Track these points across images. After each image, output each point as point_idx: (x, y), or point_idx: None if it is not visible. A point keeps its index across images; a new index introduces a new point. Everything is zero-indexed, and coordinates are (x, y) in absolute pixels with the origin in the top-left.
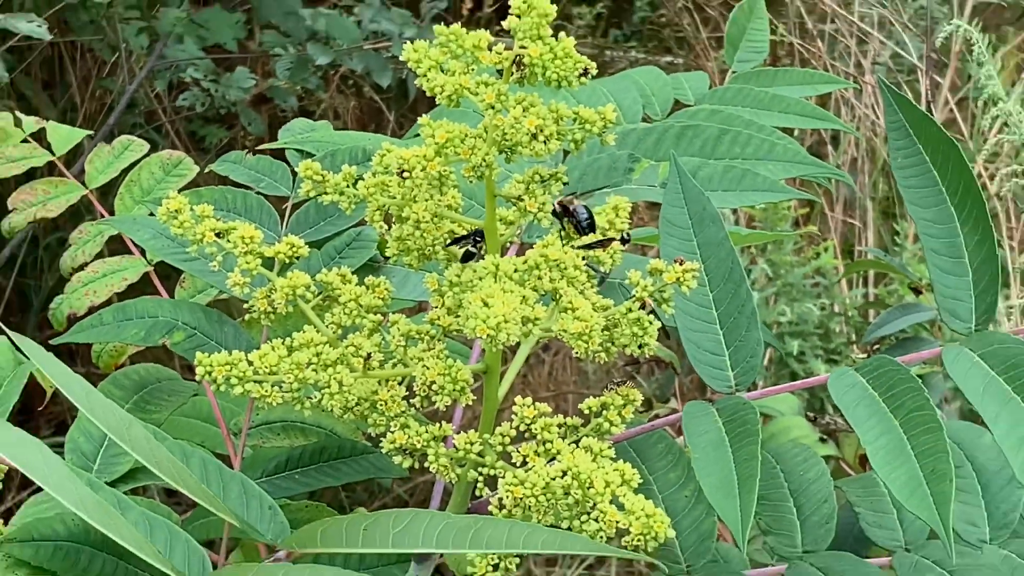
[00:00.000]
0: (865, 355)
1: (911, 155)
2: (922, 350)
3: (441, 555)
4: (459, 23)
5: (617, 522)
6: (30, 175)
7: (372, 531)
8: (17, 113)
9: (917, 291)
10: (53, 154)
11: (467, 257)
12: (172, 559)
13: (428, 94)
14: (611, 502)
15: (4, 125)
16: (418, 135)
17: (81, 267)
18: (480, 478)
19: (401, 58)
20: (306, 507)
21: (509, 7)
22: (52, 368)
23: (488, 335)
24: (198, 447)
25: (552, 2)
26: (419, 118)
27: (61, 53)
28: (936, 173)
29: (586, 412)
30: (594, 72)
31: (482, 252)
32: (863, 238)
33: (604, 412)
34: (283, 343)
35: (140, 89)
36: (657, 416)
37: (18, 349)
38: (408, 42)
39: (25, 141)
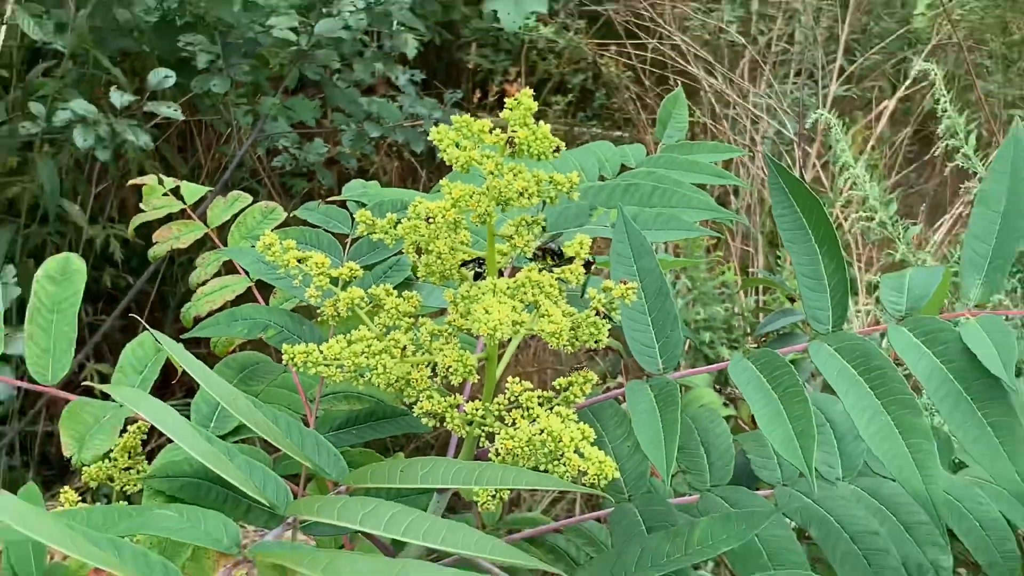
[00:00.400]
0: (756, 345)
1: (786, 207)
2: (795, 344)
3: (455, 489)
4: (471, 108)
5: (579, 467)
6: (168, 218)
7: (407, 472)
8: (160, 176)
9: (792, 300)
10: (184, 204)
11: (476, 276)
12: (265, 492)
13: (447, 163)
14: (575, 452)
15: (151, 183)
16: (439, 191)
17: (203, 283)
18: (483, 434)
19: (429, 136)
20: (360, 452)
21: (505, 98)
22: (181, 355)
23: (488, 333)
24: (284, 410)
25: (535, 95)
26: (442, 179)
27: (191, 128)
28: (804, 220)
29: (558, 388)
30: (563, 147)
31: (484, 274)
32: (755, 261)
33: (570, 387)
34: (344, 338)
35: (247, 154)
36: (609, 389)
37: (158, 341)
38: (435, 123)
39: (165, 194)
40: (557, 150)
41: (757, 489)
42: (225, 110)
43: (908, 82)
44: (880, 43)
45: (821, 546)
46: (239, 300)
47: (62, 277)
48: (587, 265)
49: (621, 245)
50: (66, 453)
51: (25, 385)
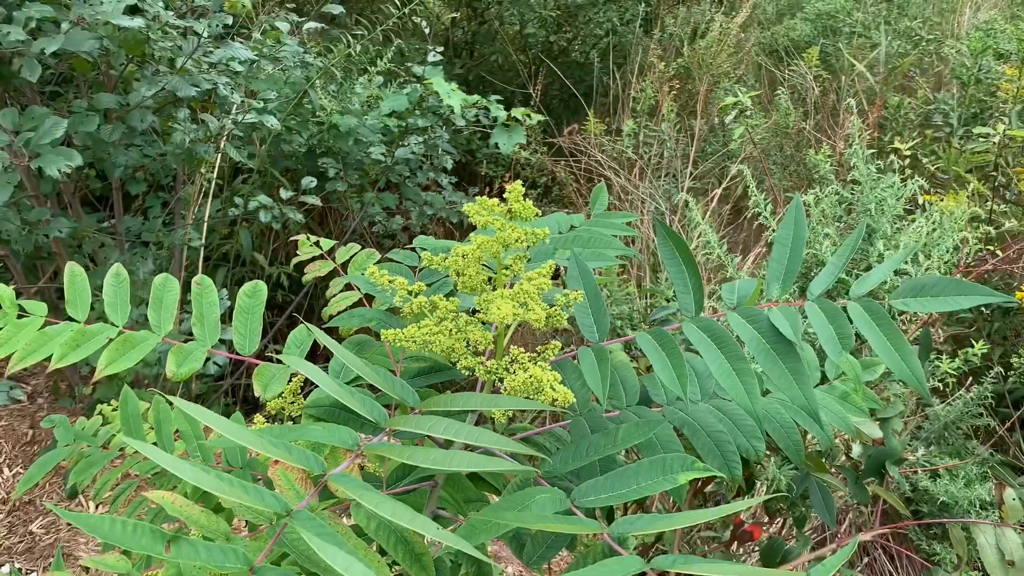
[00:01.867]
0: (649, 327)
1: (667, 246)
2: (673, 324)
3: (481, 410)
4: (488, 193)
5: (552, 396)
6: (313, 260)
7: (454, 401)
8: (308, 235)
9: (668, 300)
10: (322, 250)
11: (474, 313)
12: (372, 414)
13: (473, 223)
14: (550, 388)
15: (303, 240)
16: (470, 241)
17: (334, 295)
18: (496, 379)
19: (462, 211)
20: (425, 391)
21: (505, 190)
22: (323, 337)
23: (500, 320)
24: (382, 367)
25: (518, 188)
26: (470, 235)
27: (326, 211)
28: (677, 253)
29: (538, 351)
30: (539, 214)
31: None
32: (644, 279)
33: (545, 351)
34: (415, 325)
35: (357, 225)
36: (566, 353)
37: (309, 329)
38: (464, 203)
39: (310, 246)
40: (537, 215)
41: (653, 407)
42: (344, 201)
43: (727, 180)
44: (712, 157)
45: (690, 439)
46: (354, 305)
47: (252, 293)
48: (555, 276)
49: (573, 270)
50: (257, 394)
51: (232, 356)
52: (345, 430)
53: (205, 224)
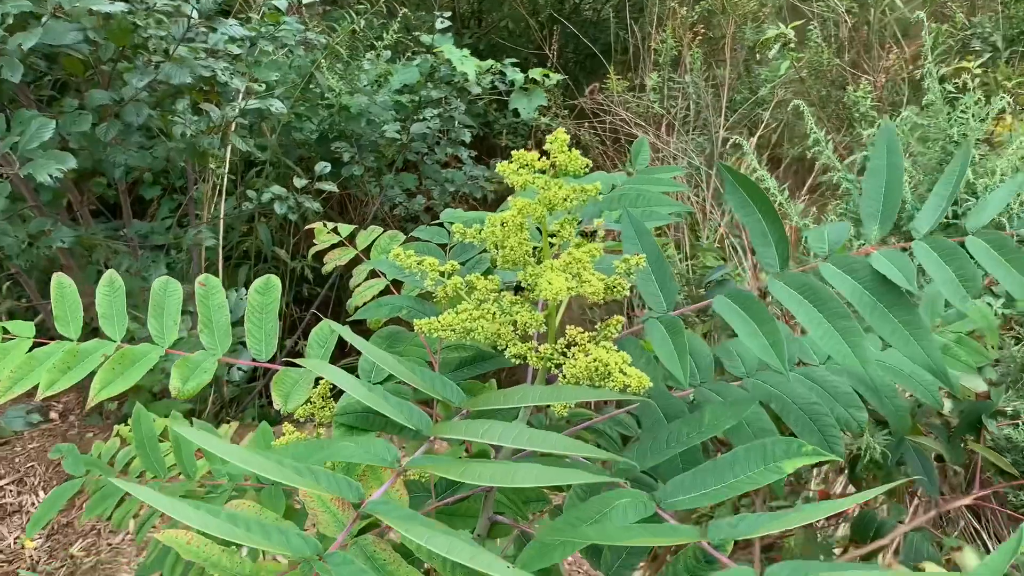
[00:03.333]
0: (705, 290)
1: (736, 194)
2: (729, 284)
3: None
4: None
5: (623, 381)
6: (332, 247)
7: (507, 397)
8: (325, 222)
9: (724, 260)
10: (340, 237)
11: (516, 290)
12: (412, 420)
13: (510, 185)
14: (619, 372)
15: (319, 227)
16: (507, 206)
17: (358, 285)
18: (551, 365)
19: (496, 170)
20: (469, 383)
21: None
22: (348, 335)
23: (553, 297)
24: (418, 361)
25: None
26: (508, 199)
27: (344, 198)
28: (750, 200)
29: (599, 328)
30: (589, 167)
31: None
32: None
33: (607, 327)
34: (452, 311)
35: (377, 210)
36: (627, 327)
37: (332, 327)
38: (485, 179)
39: (328, 233)
40: (587, 166)
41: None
42: (363, 186)
43: (762, 127)
44: (741, 106)
45: (780, 415)
46: (382, 293)
47: (265, 290)
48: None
49: (628, 230)
50: (277, 406)
51: (248, 363)
52: (382, 444)
53: (221, 222)
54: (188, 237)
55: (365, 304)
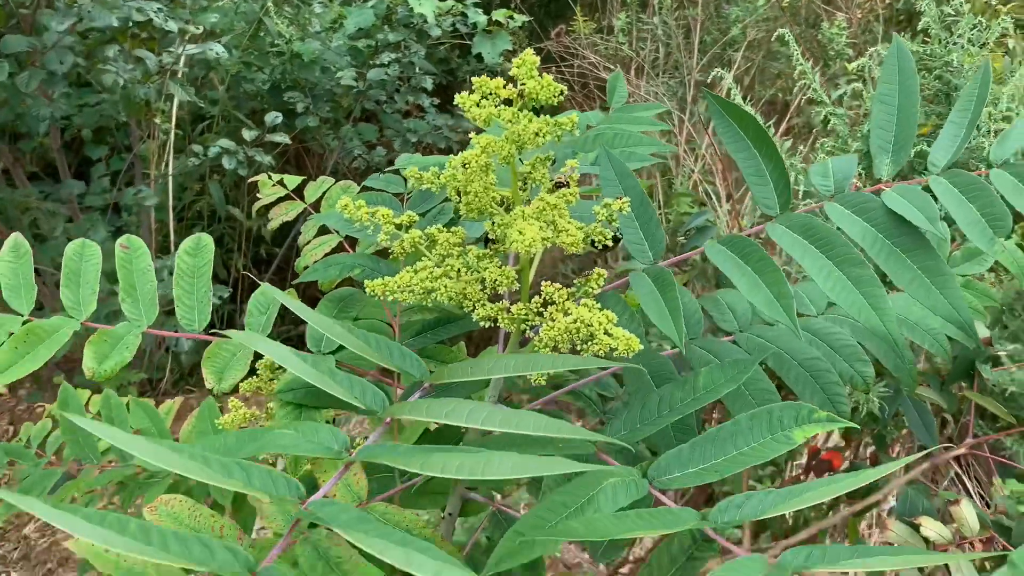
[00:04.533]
0: (684, 238)
1: (726, 126)
2: (711, 232)
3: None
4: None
5: (609, 344)
6: (278, 201)
7: (476, 368)
8: (269, 173)
9: (702, 204)
10: (287, 190)
11: (486, 243)
12: (365, 400)
13: (471, 120)
14: (604, 333)
15: (263, 179)
16: (470, 147)
17: (307, 243)
18: (527, 328)
19: (455, 102)
20: (434, 347)
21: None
22: (287, 300)
23: (525, 249)
24: (377, 324)
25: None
26: (472, 136)
27: (300, 151)
28: (742, 132)
29: (578, 284)
30: (564, 93)
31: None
32: (658, 188)
33: (588, 282)
34: (411, 269)
35: (336, 163)
36: (610, 281)
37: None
38: (449, 128)
39: (274, 186)
40: (562, 94)
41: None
42: (319, 138)
43: (734, 68)
44: (712, 48)
45: (778, 373)
46: (334, 251)
47: (196, 251)
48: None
49: (607, 172)
50: (209, 385)
51: (178, 335)
52: (327, 430)
53: (170, 180)
54: (127, 196)
55: (315, 264)
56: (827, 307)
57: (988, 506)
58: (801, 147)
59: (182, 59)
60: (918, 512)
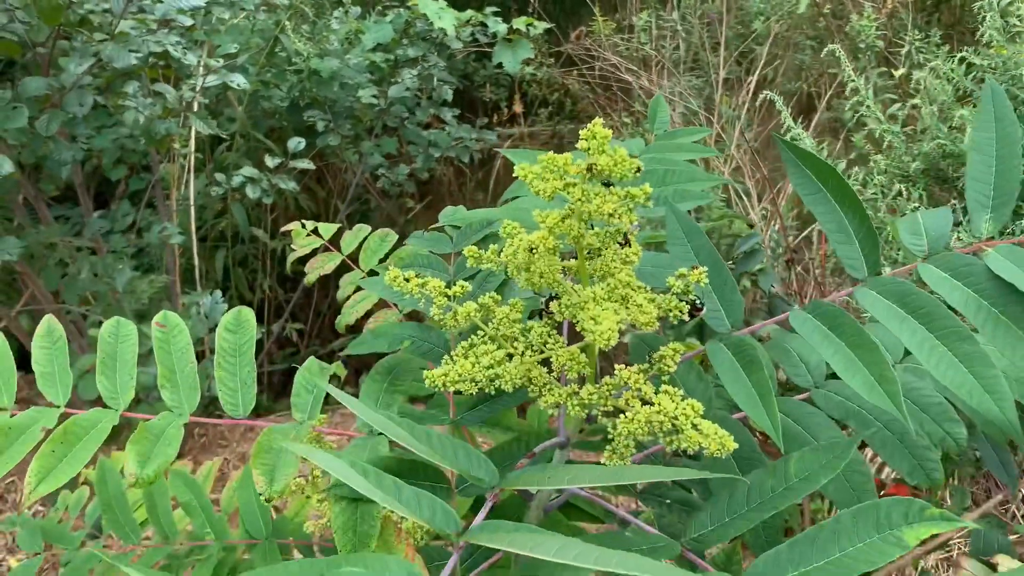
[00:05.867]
0: (735, 264)
1: (802, 176)
2: (757, 261)
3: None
4: (492, 125)
5: (698, 442)
6: (313, 253)
7: (553, 476)
8: (303, 221)
9: (751, 226)
10: (323, 239)
11: (549, 299)
12: (435, 520)
13: (535, 194)
14: (691, 428)
15: (296, 228)
16: (508, 201)
17: (347, 298)
18: (598, 412)
19: (514, 174)
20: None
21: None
22: (341, 396)
23: (604, 343)
24: (435, 430)
25: (526, 109)
26: (512, 200)
27: (323, 169)
28: (820, 185)
29: (654, 360)
30: (639, 169)
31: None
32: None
33: (662, 359)
34: (469, 350)
35: (359, 179)
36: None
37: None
38: (472, 140)
39: (308, 235)
40: (638, 170)
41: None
42: (341, 154)
43: (761, 65)
44: (734, 43)
45: (862, 435)
46: (376, 307)
47: (237, 327)
48: (694, 310)
49: (674, 227)
50: (258, 489)
51: (222, 421)
52: (400, 566)
53: (192, 206)
54: (153, 235)
55: (359, 320)
56: (904, 355)
57: None
58: (829, 141)
59: (198, 87)
60: (993, 550)
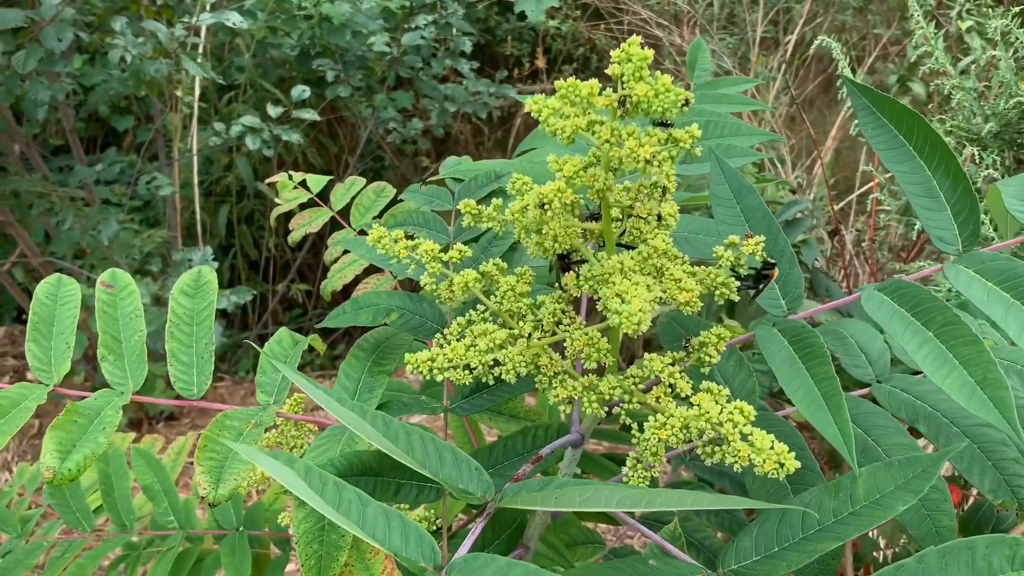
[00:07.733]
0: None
1: (878, 126)
2: (800, 230)
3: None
4: (513, 81)
5: (748, 456)
6: (302, 207)
7: (561, 497)
8: (289, 172)
9: (793, 191)
10: (311, 193)
11: (564, 268)
12: (407, 551)
13: (550, 135)
14: (737, 438)
15: (283, 179)
16: (523, 154)
17: (334, 260)
18: (620, 411)
19: (525, 109)
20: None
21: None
22: (308, 387)
23: (632, 328)
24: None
25: (550, 66)
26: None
27: (334, 122)
28: (903, 138)
29: (692, 348)
30: (688, 101)
31: (571, 266)
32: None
33: (704, 347)
34: (466, 340)
35: (370, 133)
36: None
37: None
38: (490, 95)
39: (295, 187)
40: (686, 103)
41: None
42: (352, 107)
43: (801, 23)
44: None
45: (934, 443)
46: (367, 272)
47: (194, 291)
48: (764, 270)
49: (720, 187)
50: (200, 492)
51: (172, 403)
52: None
53: (195, 158)
54: (140, 186)
55: (347, 287)
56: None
57: None
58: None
59: (203, 31)
60: None
